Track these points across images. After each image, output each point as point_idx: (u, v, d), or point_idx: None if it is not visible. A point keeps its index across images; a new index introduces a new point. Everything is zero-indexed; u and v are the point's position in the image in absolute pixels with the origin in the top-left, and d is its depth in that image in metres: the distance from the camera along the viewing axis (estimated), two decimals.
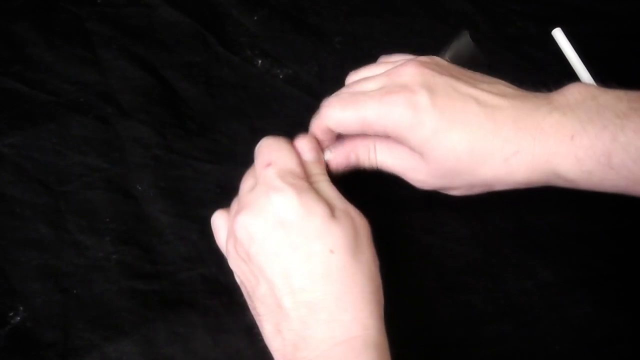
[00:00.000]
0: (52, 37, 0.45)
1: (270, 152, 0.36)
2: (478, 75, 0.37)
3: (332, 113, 0.36)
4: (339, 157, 0.39)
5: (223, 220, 0.37)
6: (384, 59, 0.40)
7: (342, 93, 0.38)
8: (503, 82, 0.37)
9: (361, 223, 0.34)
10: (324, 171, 0.37)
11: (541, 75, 0.48)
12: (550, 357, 0.39)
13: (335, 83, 0.46)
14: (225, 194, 0.41)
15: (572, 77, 0.48)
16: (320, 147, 0.38)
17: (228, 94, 0.45)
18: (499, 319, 0.39)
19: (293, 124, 0.44)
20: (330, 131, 0.37)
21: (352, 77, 0.40)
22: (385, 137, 0.37)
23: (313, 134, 0.38)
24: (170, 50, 0.46)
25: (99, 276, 0.38)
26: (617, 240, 0.42)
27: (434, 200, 0.42)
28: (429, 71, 0.35)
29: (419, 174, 0.37)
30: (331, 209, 0.33)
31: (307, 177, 0.35)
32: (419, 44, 0.48)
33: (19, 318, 0.37)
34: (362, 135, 0.38)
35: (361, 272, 0.32)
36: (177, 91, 0.45)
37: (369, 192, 0.43)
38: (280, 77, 0.46)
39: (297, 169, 0.35)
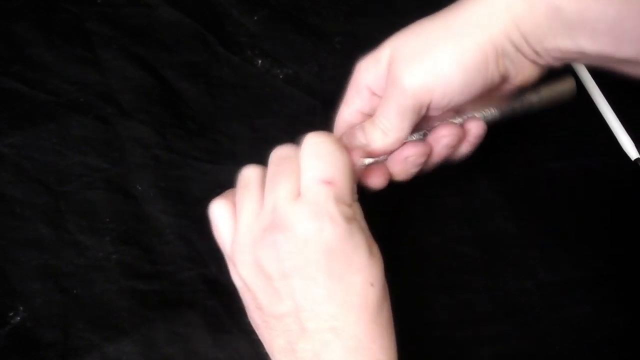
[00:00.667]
0: (52, 37, 0.45)
1: (335, 167, 0.32)
2: None
3: (363, 67, 0.37)
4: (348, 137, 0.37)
5: (228, 212, 0.34)
6: None
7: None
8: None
9: (382, 261, 0.33)
10: (360, 207, 0.35)
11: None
12: (550, 357, 0.39)
13: (335, 83, 0.46)
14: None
15: (572, 77, 0.48)
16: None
17: (228, 94, 0.45)
18: (499, 318, 0.39)
19: (293, 124, 0.44)
20: (369, 91, 0.37)
21: None
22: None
23: (349, 97, 0.38)
24: (170, 50, 0.46)
25: (99, 276, 0.38)
26: (617, 240, 0.42)
27: (434, 201, 0.42)
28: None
29: (406, 83, 0.34)
30: (369, 245, 0.32)
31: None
32: None
33: (19, 318, 0.37)
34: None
35: (387, 305, 0.32)
36: (177, 91, 0.45)
37: (369, 193, 0.43)
38: (280, 77, 0.46)
39: (351, 196, 0.33)
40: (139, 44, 0.46)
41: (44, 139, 0.42)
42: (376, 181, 0.37)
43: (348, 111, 0.38)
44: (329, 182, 0.31)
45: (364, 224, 0.33)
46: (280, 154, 0.34)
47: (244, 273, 0.33)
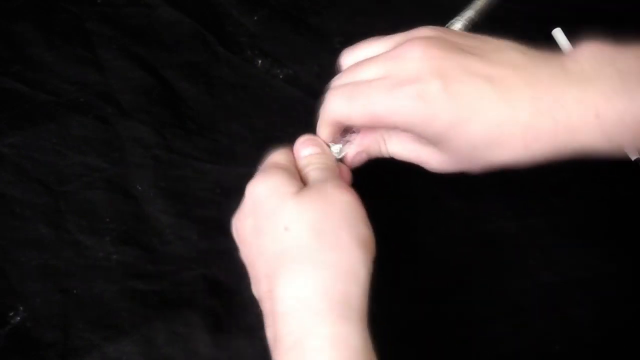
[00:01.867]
0: (52, 37, 0.45)
1: (281, 154, 0.37)
2: (486, 42, 0.34)
3: (339, 107, 0.35)
4: (350, 155, 0.38)
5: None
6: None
7: (345, 83, 0.36)
8: (510, 44, 0.34)
9: (339, 199, 0.32)
10: (321, 161, 0.36)
11: None
12: (550, 357, 0.39)
13: None
14: (225, 194, 0.41)
15: None
16: (320, 141, 0.37)
17: (228, 94, 0.45)
18: (499, 318, 0.39)
19: (293, 124, 0.44)
20: (338, 123, 0.36)
21: (349, 58, 0.38)
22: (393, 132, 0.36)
23: (321, 126, 0.37)
24: (170, 50, 0.46)
25: (99, 276, 0.38)
26: (617, 240, 0.42)
27: (434, 201, 0.42)
28: (437, 52, 0.32)
29: (434, 162, 0.36)
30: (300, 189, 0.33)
31: (298, 170, 0.36)
32: None
33: (19, 318, 0.37)
34: (371, 129, 0.37)
35: (328, 251, 0.30)
36: (177, 91, 0.45)
37: (369, 192, 0.43)
38: (280, 77, 0.46)
39: (282, 162, 0.36)
40: (139, 44, 0.46)
41: (44, 139, 0.42)
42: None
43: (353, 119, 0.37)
44: (276, 165, 0.35)
45: (315, 178, 0.35)
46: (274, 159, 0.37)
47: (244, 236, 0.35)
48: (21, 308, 0.37)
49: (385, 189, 0.43)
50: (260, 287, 0.32)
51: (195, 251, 0.40)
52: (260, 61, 0.47)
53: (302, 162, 0.36)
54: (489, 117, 0.31)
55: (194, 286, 0.39)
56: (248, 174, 0.42)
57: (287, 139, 0.44)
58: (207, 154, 0.43)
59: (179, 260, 0.39)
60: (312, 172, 0.35)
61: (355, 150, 0.38)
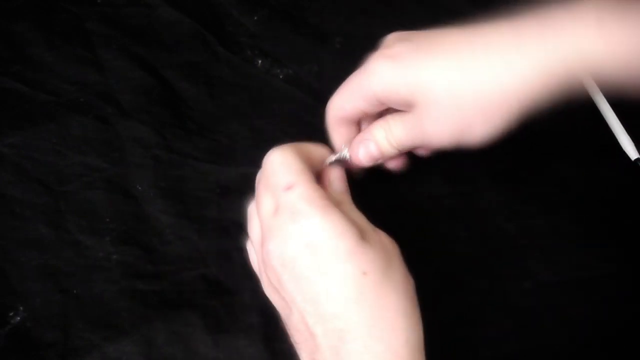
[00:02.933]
0: (52, 37, 0.45)
1: (290, 172, 0.33)
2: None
3: (331, 104, 0.38)
4: (358, 148, 0.38)
5: (250, 245, 0.36)
6: None
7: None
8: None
9: (392, 246, 0.33)
10: (351, 200, 0.36)
11: None
12: (550, 357, 0.39)
13: (335, 83, 0.46)
14: (225, 194, 0.41)
15: None
16: (346, 179, 0.37)
17: (228, 94, 0.45)
18: (499, 319, 0.39)
19: (293, 124, 0.44)
20: (342, 119, 0.38)
21: None
22: (395, 113, 0.37)
23: (333, 128, 0.39)
24: (170, 50, 0.46)
25: (99, 276, 0.38)
26: (617, 240, 0.42)
27: (434, 201, 0.42)
28: (407, 32, 0.35)
29: (430, 133, 0.35)
30: (361, 231, 0.32)
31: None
32: None
33: (19, 318, 0.37)
34: (378, 121, 0.38)
35: (395, 295, 0.31)
36: (177, 91, 0.45)
37: (370, 193, 0.43)
38: (280, 77, 0.46)
39: (320, 190, 0.33)
40: (139, 44, 0.46)
41: (44, 139, 0.42)
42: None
43: (346, 103, 0.38)
44: (289, 187, 0.32)
45: (353, 212, 0.34)
46: (258, 176, 0.36)
47: (267, 294, 0.35)
48: (21, 308, 0.37)
49: (385, 189, 0.43)
50: (306, 323, 0.31)
51: (195, 251, 0.40)
52: (260, 61, 0.47)
53: (336, 197, 0.35)
54: (454, 56, 0.33)
55: (194, 286, 0.39)
56: (248, 174, 0.42)
57: (287, 139, 0.44)
58: (207, 154, 0.43)
59: (179, 260, 0.39)
60: (349, 208, 0.35)
61: (360, 146, 0.38)
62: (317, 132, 0.44)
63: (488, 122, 0.33)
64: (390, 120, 0.37)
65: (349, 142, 0.38)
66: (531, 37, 0.32)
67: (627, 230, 0.42)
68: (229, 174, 0.42)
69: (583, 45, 0.31)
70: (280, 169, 0.33)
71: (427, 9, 0.50)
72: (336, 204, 0.33)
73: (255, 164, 0.43)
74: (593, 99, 0.48)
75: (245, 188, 0.42)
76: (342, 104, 0.37)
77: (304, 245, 0.31)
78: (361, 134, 0.38)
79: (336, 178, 0.37)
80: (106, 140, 0.42)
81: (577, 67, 0.32)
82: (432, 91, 0.33)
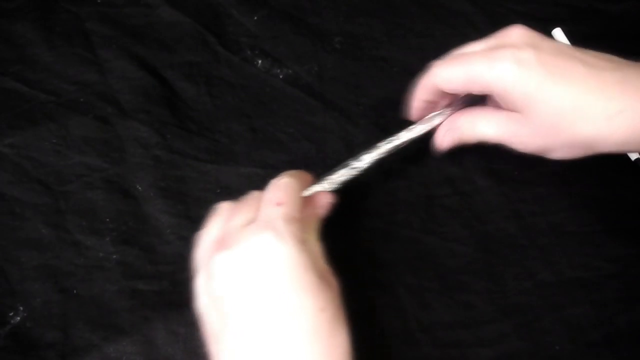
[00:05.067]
0: (52, 37, 0.45)
1: (288, 192, 0.34)
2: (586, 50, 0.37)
3: (439, 70, 0.37)
4: (445, 133, 0.39)
5: (199, 247, 0.35)
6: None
7: (450, 54, 0.39)
8: (613, 56, 0.37)
9: (338, 287, 0.33)
10: (318, 227, 0.36)
11: None
12: (550, 357, 0.39)
13: (335, 83, 0.46)
14: (225, 194, 0.41)
15: None
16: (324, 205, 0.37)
17: (228, 94, 0.45)
18: (499, 319, 0.39)
19: (293, 124, 0.44)
20: (437, 90, 0.38)
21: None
22: (485, 108, 0.38)
23: (418, 91, 0.39)
24: (170, 50, 0.46)
25: (99, 276, 0.38)
26: (617, 240, 0.42)
27: (434, 200, 0.42)
28: (536, 34, 0.36)
29: (520, 136, 0.37)
30: (321, 268, 0.32)
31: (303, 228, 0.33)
32: (419, 44, 0.48)
33: (19, 318, 0.37)
34: (464, 111, 0.39)
35: (343, 334, 0.31)
36: (177, 91, 0.45)
37: (369, 193, 0.43)
38: (280, 77, 0.46)
39: (300, 218, 0.33)
40: (139, 44, 0.46)
41: (44, 139, 0.42)
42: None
43: (455, 79, 0.38)
44: (280, 203, 0.33)
45: (316, 248, 0.34)
46: (251, 195, 0.36)
47: (197, 300, 0.33)
48: (21, 308, 0.37)
49: (385, 189, 0.43)
50: (247, 349, 0.30)
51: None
52: (260, 61, 0.47)
53: (310, 220, 0.35)
54: (576, 84, 0.34)
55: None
56: (248, 174, 0.42)
57: (287, 139, 0.44)
58: (207, 154, 0.43)
59: (179, 260, 0.39)
60: (313, 238, 0.35)
61: (447, 126, 0.39)
62: (317, 132, 0.44)
63: (578, 151, 0.36)
64: (477, 116, 0.38)
65: (422, 119, 0.40)
66: None
67: (627, 231, 0.42)
68: (229, 174, 0.42)
69: None
70: (282, 188, 0.34)
71: (427, 9, 0.50)
72: (304, 227, 0.33)
73: (256, 164, 0.43)
74: None
75: (245, 188, 0.42)
76: (450, 78, 0.37)
77: (269, 268, 0.30)
78: (448, 122, 0.40)
79: (324, 204, 0.37)
80: (106, 140, 0.42)
81: None
82: (546, 108, 0.34)
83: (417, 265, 0.41)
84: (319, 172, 0.43)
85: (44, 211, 0.40)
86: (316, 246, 0.34)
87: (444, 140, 0.40)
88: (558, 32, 0.49)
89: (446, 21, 0.50)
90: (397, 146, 0.40)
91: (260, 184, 0.42)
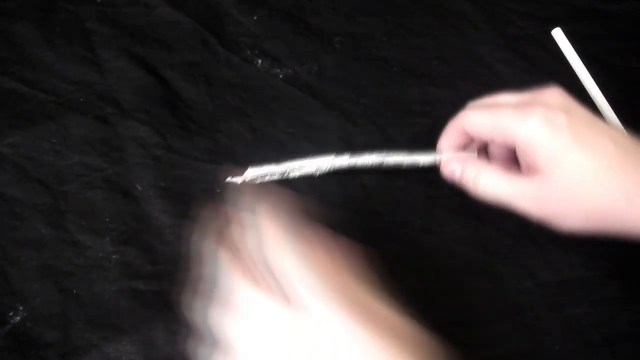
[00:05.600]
0: (52, 37, 0.45)
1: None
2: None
3: (470, 114, 0.38)
4: (449, 166, 0.40)
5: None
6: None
7: (484, 100, 0.40)
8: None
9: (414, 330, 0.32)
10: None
11: (541, 75, 0.48)
12: (550, 357, 0.39)
13: (335, 83, 0.46)
14: (225, 194, 0.41)
15: (572, 77, 0.48)
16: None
17: (228, 94, 0.45)
18: (499, 319, 0.39)
19: (293, 124, 0.44)
20: (463, 132, 0.39)
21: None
22: (495, 165, 0.38)
23: (447, 131, 0.40)
24: (170, 50, 0.46)
25: (99, 276, 0.38)
26: (617, 240, 0.42)
27: (434, 200, 0.42)
28: (571, 100, 0.36)
29: (536, 198, 0.36)
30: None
31: None
32: (419, 44, 0.48)
33: (19, 318, 0.37)
34: (476, 159, 0.40)
35: None
36: (177, 91, 0.45)
37: (369, 192, 0.43)
38: (280, 77, 0.46)
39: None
40: (139, 44, 0.46)
41: (44, 139, 0.42)
42: None
43: (484, 128, 0.38)
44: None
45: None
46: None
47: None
48: (21, 308, 0.37)
49: (384, 189, 0.43)
50: None
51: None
52: (260, 61, 0.47)
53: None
54: (602, 157, 0.34)
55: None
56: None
57: (287, 139, 0.44)
58: (207, 154, 0.43)
59: (179, 260, 0.39)
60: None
61: (449, 167, 0.40)
62: (317, 132, 0.44)
63: (593, 224, 0.35)
64: (483, 170, 0.38)
65: (444, 150, 0.41)
66: None
67: None
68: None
69: None
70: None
71: (427, 9, 0.50)
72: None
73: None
74: (593, 99, 0.48)
75: (245, 188, 0.42)
76: (480, 127, 0.38)
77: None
78: (459, 160, 0.40)
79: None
80: (106, 140, 0.42)
81: None
82: (569, 172, 0.34)
83: (416, 266, 0.41)
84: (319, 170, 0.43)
85: (44, 211, 0.40)
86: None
87: (444, 171, 0.40)
88: (558, 32, 0.49)
89: (446, 21, 0.50)
90: (399, 164, 0.41)
91: (260, 184, 0.42)
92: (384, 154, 0.41)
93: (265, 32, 0.48)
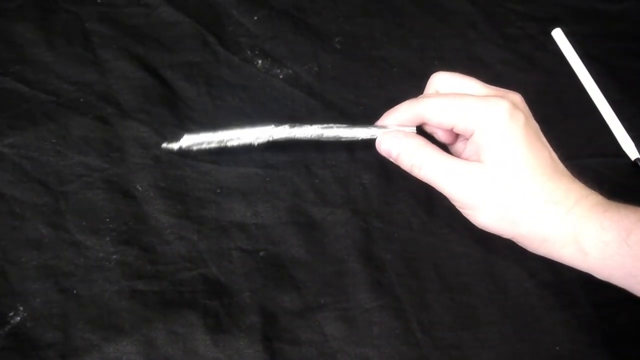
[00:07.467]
0: (52, 37, 0.45)
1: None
2: None
3: (431, 100, 0.39)
4: (384, 141, 0.40)
5: None
6: None
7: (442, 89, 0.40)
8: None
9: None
10: None
11: (541, 75, 0.48)
12: (551, 357, 0.39)
13: (335, 83, 0.46)
14: (225, 194, 0.41)
15: (572, 77, 0.48)
16: None
17: (228, 94, 0.45)
18: (499, 319, 0.39)
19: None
20: (414, 115, 0.39)
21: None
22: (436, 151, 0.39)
23: (394, 111, 0.41)
24: (170, 50, 0.46)
25: (99, 276, 0.38)
26: None
27: (434, 201, 0.42)
28: (528, 110, 0.39)
29: (458, 181, 0.37)
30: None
31: None
32: (419, 44, 0.49)
33: (19, 318, 0.37)
34: (415, 135, 0.40)
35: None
36: (177, 91, 0.45)
37: (369, 192, 0.43)
38: (280, 77, 0.46)
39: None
40: (139, 44, 0.46)
41: (44, 139, 0.42)
42: None
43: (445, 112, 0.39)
44: None
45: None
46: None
47: None
48: (21, 308, 0.37)
49: (383, 188, 0.43)
50: None
51: (195, 251, 0.40)
52: (260, 61, 0.47)
53: None
54: (540, 161, 0.37)
55: (194, 286, 0.39)
56: (248, 174, 0.42)
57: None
58: (207, 154, 0.43)
59: (179, 260, 0.39)
60: None
61: (391, 130, 0.40)
62: None
63: (496, 225, 0.38)
64: (422, 146, 0.39)
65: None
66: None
67: None
68: (229, 174, 0.42)
69: (582, 224, 0.36)
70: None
71: (427, 9, 0.50)
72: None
73: (256, 164, 0.43)
74: (593, 99, 0.48)
75: (245, 188, 0.42)
76: (442, 111, 0.38)
77: None
78: (398, 135, 0.40)
79: None
80: (106, 140, 0.42)
81: None
82: (500, 163, 0.36)
83: (417, 265, 0.41)
84: (319, 172, 0.43)
85: (44, 211, 0.40)
86: None
87: (382, 146, 0.40)
88: (558, 32, 0.49)
89: (446, 21, 0.50)
90: (337, 137, 0.41)
91: (260, 184, 0.42)
92: (323, 126, 0.41)
93: (265, 32, 0.48)
